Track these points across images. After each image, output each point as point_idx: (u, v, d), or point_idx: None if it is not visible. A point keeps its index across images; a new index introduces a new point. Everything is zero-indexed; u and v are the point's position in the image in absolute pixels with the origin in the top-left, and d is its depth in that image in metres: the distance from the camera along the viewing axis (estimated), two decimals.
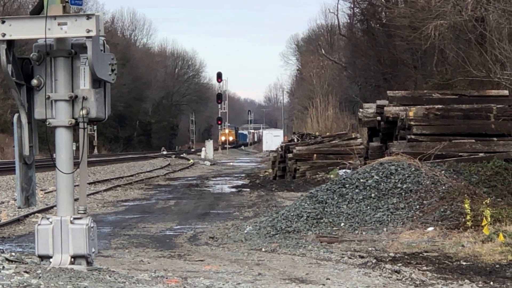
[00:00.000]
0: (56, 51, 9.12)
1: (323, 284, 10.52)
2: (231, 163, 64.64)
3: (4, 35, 8.90)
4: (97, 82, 9.11)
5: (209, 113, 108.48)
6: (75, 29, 8.70)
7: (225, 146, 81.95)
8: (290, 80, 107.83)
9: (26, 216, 19.35)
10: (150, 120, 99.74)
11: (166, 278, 9.98)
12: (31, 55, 9.22)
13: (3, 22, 9.00)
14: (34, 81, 9.03)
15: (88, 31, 8.60)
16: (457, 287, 11.26)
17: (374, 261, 13.63)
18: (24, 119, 9.19)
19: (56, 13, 8.76)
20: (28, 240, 14.86)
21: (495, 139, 22.39)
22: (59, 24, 8.75)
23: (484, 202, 17.64)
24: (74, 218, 9.27)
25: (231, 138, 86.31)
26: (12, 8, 64.82)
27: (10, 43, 9.02)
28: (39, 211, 18.89)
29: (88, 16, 8.76)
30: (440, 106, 23.75)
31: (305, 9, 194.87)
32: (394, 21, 39.35)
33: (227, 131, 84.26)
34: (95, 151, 74.47)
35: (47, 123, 9.27)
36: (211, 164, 58.05)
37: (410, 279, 11.90)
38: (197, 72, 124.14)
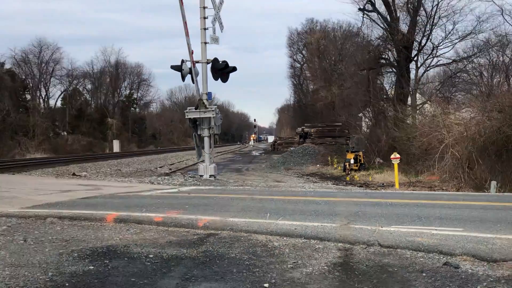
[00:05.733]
0: (203, 118, 23.88)
1: (285, 182, 24.53)
2: (259, 146, 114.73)
3: (187, 114, 24.02)
4: (216, 125, 24.07)
5: (252, 131, 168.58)
6: (209, 113, 23.78)
7: (254, 142, 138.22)
8: (276, 121, 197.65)
9: (197, 163, 30.53)
10: (233, 133, 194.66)
11: (238, 181, 24.32)
12: (196, 119, 23.87)
13: (186, 110, 24.40)
14: (197, 123, 23.94)
15: (212, 113, 23.72)
16: (323, 185, 24.17)
17: (301, 175, 29.79)
18: (196, 134, 24.40)
19: (202, 108, 23.92)
20: (191, 170, 30.29)
21: (335, 136, 45.00)
22: (204, 112, 23.82)
23: (334, 157, 34.19)
24: (210, 163, 24.36)
25: (253, 138, 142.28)
26: (195, 103, 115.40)
27: (190, 118, 24.06)
28: (199, 162, 27.84)
29: (212, 108, 23.90)
30: (320, 128, 52.16)
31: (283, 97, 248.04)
32: (309, 101, 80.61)
33: (252, 136, 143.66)
34: (217, 143, 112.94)
35: (202, 135, 24.15)
36: (252, 147, 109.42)
37: (312, 181, 26.67)
38: (247, 119, 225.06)
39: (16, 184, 18.31)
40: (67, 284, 6.16)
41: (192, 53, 23.88)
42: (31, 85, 77.97)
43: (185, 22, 23.93)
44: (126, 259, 7.30)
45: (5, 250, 7.81)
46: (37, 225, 9.87)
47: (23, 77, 76.11)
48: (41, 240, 8.49)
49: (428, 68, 39.37)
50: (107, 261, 7.16)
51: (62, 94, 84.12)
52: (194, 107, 24.63)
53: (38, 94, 79.94)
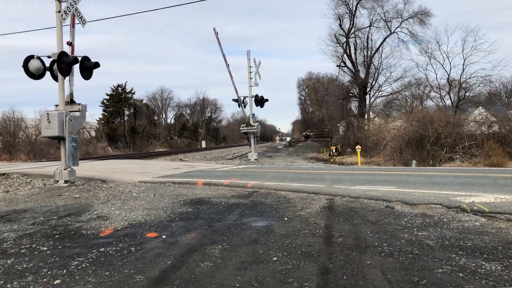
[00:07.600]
0: (250, 131, 23.69)
1: (296, 163, 23.70)
2: (281, 143, 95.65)
3: (241, 129, 23.68)
4: (257, 132, 24.43)
5: (277, 134, 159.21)
6: (253, 128, 23.20)
7: (278, 141, 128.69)
8: (291, 129, 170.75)
9: (247, 152, 27.91)
10: (267, 136, 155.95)
11: (269, 162, 23.88)
12: (246, 131, 23.82)
13: (241, 127, 24.34)
14: (247, 132, 24.71)
15: (255, 127, 23.22)
16: (317, 164, 22.85)
17: (305, 159, 28.35)
18: (247, 137, 24.41)
19: (249, 125, 23.30)
20: (244, 157, 28.32)
21: (324, 136, 40.15)
22: (250, 128, 23.15)
23: (324, 148, 32.07)
24: (254, 152, 23.56)
25: (278, 139, 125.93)
26: (246, 121, 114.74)
27: (243, 132, 23.98)
28: (248, 152, 25.44)
29: (256, 123, 24.22)
30: (316, 132, 44.55)
31: (294, 115, 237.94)
32: (309, 117, 71.91)
33: (277, 137, 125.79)
34: (258, 142, 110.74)
35: (250, 138, 24.06)
36: (278, 144, 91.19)
37: (311, 162, 25.48)
38: (275, 128, 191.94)
39: (149, 165, 18.48)
40: (177, 218, 6.19)
41: (242, 98, 23.67)
42: (157, 111, 79.50)
43: (235, 87, 23.80)
44: (209, 205, 7.27)
45: (144, 200, 7.89)
46: (160, 187, 9.89)
47: (153, 107, 77.36)
48: (162, 195, 8.54)
49: (376, 98, 38.67)
50: (199, 206, 7.15)
51: (174, 116, 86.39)
52: (245, 124, 24.03)
53: (161, 116, 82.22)
